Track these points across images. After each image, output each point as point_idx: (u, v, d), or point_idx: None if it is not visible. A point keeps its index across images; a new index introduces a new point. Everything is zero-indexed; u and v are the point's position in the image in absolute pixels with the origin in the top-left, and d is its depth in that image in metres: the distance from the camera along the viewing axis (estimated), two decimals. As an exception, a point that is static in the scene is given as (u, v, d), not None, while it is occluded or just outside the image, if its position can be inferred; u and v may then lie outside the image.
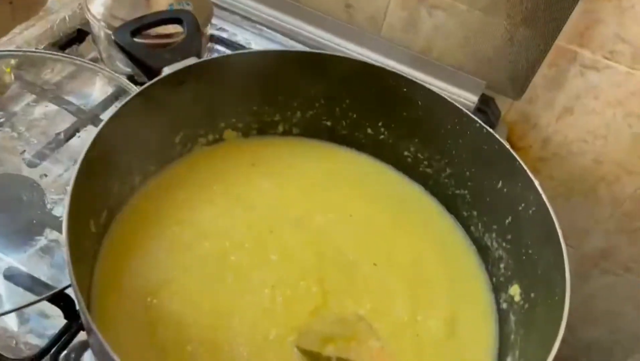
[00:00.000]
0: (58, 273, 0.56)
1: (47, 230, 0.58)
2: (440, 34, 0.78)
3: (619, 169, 0.82)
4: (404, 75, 0.55)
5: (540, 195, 0.47)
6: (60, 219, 0.57)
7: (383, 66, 0.55)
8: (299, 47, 0.81)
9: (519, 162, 0.49)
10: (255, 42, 0.83)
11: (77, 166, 0.40)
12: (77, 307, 0.34)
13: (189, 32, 0.52)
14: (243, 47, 0.81)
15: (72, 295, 0.49)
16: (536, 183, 0.47)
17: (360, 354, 0.41)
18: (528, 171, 0.48)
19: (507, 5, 0.69)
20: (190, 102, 0.53)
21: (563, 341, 0.37)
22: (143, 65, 0.50)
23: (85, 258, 0.44)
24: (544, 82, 0.77)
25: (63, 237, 0.36)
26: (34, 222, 0.58)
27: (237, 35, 0.83)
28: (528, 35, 0.71)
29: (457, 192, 0.58)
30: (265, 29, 0.84)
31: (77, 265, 0.37)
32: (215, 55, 0.78)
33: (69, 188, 0.38)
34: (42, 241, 0.58)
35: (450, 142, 0.56)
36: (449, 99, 0.53)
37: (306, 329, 0.47)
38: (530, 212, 0.48)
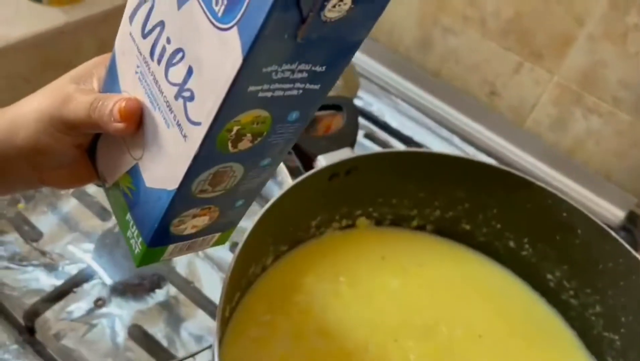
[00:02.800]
0: (172, 333, 0.56)
1: (168, 285, 0.58)
2: (592, 138, 0.72)
3: None
4: (567, 200, 0.51)
5: None
6: (181, 275, 0.58)
7: (544, 186, 0.51)
8: (433, 125, 0.78)
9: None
10: (389, 114, 0.81)
11: (237, 251, 0.39)
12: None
13: (347, 120, 0.51)
14: (377, 119, 0.79)
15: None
16: None
17: None
18: None
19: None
20: (336, 191, 0.52)
21: None
22: (299, 149, 0.49)
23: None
24: None
25: (215, 328, 0.35)
26: (157, 273, 0.58)
27: (372, 105, 0.82)
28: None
29: (605, 334, 0.52)
30: (400, 102, 0.82)
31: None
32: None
33: (228, 273, 0.38)
34: (161, 295, 0.58)
35: (607, 281, 0.51)
36: (617, 238, 0.48)
37: None
38: None
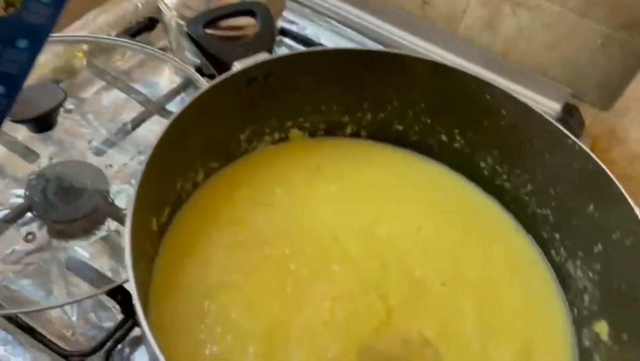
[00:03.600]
0: (117, 265, 0.56)
1: (109, 220, 0.58)
2: (523, 35, 0.72)
3: None
4: (489, 82, 0.51)
5: (641, 225, 0.41)
6: (123, 211, 0.57)
7: (465, 70, 0.51)
8: (371, 45, 0.77)
9: (618, 187, 0.44)
10: (325, 36, 0.80)
11: (146, 158, 0.38)
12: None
13: (262, 25, 0.50)
14: (312, 42, 0.78)
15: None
16: (637, 212, 0.42)
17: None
18: (629, 198, 0.43)
19: (608, 7, 0.63)
20: (259, 98, 0.51)
21: None
22: (214, 58, 0.48)
23: (145, 257, 0.43)
24: (638, 92, 0.70)
25: (126, 237, 0.35)
26: (97, 210, 0.58)
27: (307, 29, 0.81)
28: (626, 41, 0.64)
29: (539, 211, 0.53)
30: (335, 23, 0.81)
31: (136, 265, 0.36)
32: (284, 49, 0.76)
33: (136, 183, 0.37)
34: (103, 231, 0.58)
35: (535, 158, 0.51)
36: (539, 111, 0.49)
37: (368, 347, 0.44)
38: (628, 242, 0.43)
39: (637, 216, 0.42)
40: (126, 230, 0.35)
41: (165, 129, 0.41)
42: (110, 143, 0.62)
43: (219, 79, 0.45)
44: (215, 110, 0.47)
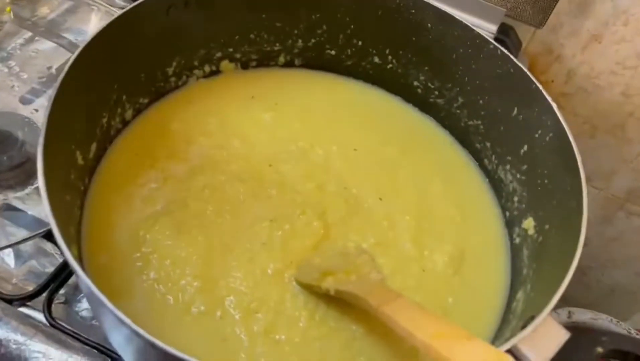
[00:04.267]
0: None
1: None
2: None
3: (649, 102, 0.76)
4: (412, -6, 0.50)
5: (558, 118, 0.43)
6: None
7: (388, -15, 0.51)
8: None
9: (535, 84, 0.45)
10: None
11: (56, 84, 0.37)
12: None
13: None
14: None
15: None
16: (554, 106, 0.43)
17: (359, 287, 0.39)
18: (545, 94, 0.44)
19: None
20: (180, 27, 0.50)
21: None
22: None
23: (72, 190, 0.42)
24: (569, 7, 0.71)
25: (38, 162, 0.34)
26: (30, 160, 0.56)
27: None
28: (552, -47, 0.65)
29: (470, 122, 0.54)
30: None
31: (58, 195, 0.36)
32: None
33: (47, 106, 0.36)
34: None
35: (462, 68, 0.52)
36: (460, 19, 0.49)
37: (306, 263, 0.45)
38: (548, 138, 0.45)
39: (554, 111, 0.43)
40: (39, 154, 0.34)
41: (76, 55, 0.40)
42: (37, 91, 0.60)
43: (132, 4, 0.44)
44: (134, 40, 0.46)
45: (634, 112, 0.78)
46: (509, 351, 0.31)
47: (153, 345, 0.29)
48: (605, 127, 0.81)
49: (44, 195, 0.34)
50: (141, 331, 0.29)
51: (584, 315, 0.66)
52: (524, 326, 0.33)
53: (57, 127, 0.37)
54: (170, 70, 0.53)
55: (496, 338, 0.42)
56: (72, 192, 0.42)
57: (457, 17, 0.49)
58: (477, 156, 0.54)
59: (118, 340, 0.38)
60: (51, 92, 0.37)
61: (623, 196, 0.89)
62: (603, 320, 0.66)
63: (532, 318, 0.33)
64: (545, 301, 0.34)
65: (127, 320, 0.29)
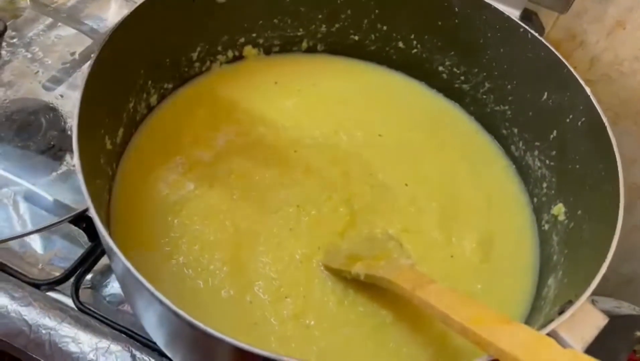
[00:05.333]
0: (81, 198, 0.55)
1: (68, 156, 0.56)
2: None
3: (674, 89, 0.75)
4: (439, -23, 0.50)
5: (591, 101, 0.42)
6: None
7: (415, -32, 0.50)
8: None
9: (568, 68, 0.44)
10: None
11: (87, 70, 0.37)
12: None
13: None
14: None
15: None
16: (587, 90, 0.43)
17: (390, 271, 0.39)
18: (578, 77, 0.43)
19: None
20: (204, 12, 0.49)
21: (603, 277, 0.34)
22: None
23: (101, 175, 0.42)
24: (594, -9, 0.70)
25: (74, 145, 0.34)
26: (54, 146, 0.56)
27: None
28: (579, -64, 0.63)
29: (497, 108, 0.53)
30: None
31: (90, 179, 0.36)
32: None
33: (79, 94, 0.36)
34: (63, 166, 0.57)
35: (490, 53, 0.51)
36: (489, 2, 0.48)
37: (333, 248, 0.45)
38: (580, 123, 0.44)
39: (587, 94, 0.43)
40: (74, 137, 0.34)
41: (106, 40, 0.40)
42: (60, 78, 0.60)
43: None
44: (160, 26, 0.46)
45: (658, 99, 0.77)
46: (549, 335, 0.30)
47: (191, 325, 0.29)
48: (627, 114, 0.80)
49: (80, 178, 0.34)
50: (180, 312, 0.29)
51: (607, 304, 0.66)
52: (561, 312, 0.32)
53: (88, 111, 0.37)
54: (194, 56, 0.52)
55: (527, 325, 0.41)
56: (102, 177, 0.42)
57: (485, 0, 0.48)
58: (504, 142, 0.54)
59: (151, 322, 0.38)
60: (82, 75, 0.37)
61: (644, 185, 0.88)
62: (626, 308, 0.65)
63: (569, 302, 0.33)
64: (583, 286, 0.33)
65: (166, 301, 0.29)
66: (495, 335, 0.28)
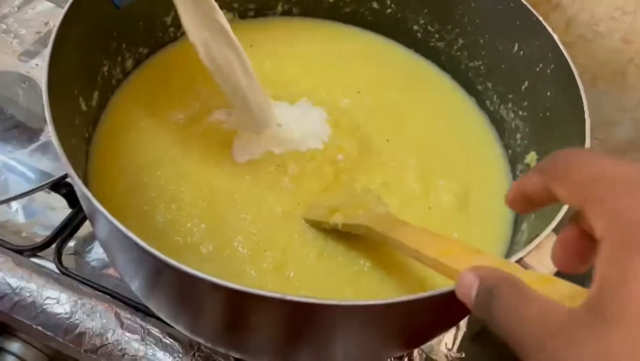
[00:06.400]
0: (60, 166, 0.55)
1: (47, 127, 0.56)
2: None
3: (649, 47, 0.76)
4: None
5: (559, 48, 0.43)
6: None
7: None
8: None
9: (536, 16, 0.45)
10: None
11: (56, 28, 0.37)
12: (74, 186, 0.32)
13: None
14: None
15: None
16: (555, 36, 0.43)
17: (367, 218, 0.40)
18: (546, 24, 0.44)
19: None
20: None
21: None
22: None
23: (77, 135, 0.42)
24: (568, -49, 0.70)
25: (44, 98, 0.34)
26: (34, 118, 0.57)
27: None
28: None
29: (471, 64, 0.54)
30: None
31: (65, 136, 0.36)
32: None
33: (48, 49, 0.36)
34: (42, 137, 0.57)
35: (461, 8, 0.52)
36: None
37: (313, 202, 0.45)
38: (549, 70, 0.45)
39: (555, 41, 0.43)
40: (43, 90, 0.34)
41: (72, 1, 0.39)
42: (37, 48, 0.60)
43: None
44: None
45: (634, 58, 0.78)
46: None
47: (167, 265, 0.29)
48: (605, 76, 0.81)
49: (51, 130, 0.34)
50: (156, 252, 0.29)
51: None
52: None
53: (59, 71, 0.37)
54: (168, 20, 0.53)
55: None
56: (78, 137, 0.42)
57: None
58: (479, 98, 0.54)
59: (129, 271, 0.38)
60: (52, 36, 0.37)
61: (625, 146, 0.89)
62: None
63: (536, 236, 0.34)
64: (549, 220, 0.34)
65: (141, 243, 0.30)
66: (464, 264, 0.29)
